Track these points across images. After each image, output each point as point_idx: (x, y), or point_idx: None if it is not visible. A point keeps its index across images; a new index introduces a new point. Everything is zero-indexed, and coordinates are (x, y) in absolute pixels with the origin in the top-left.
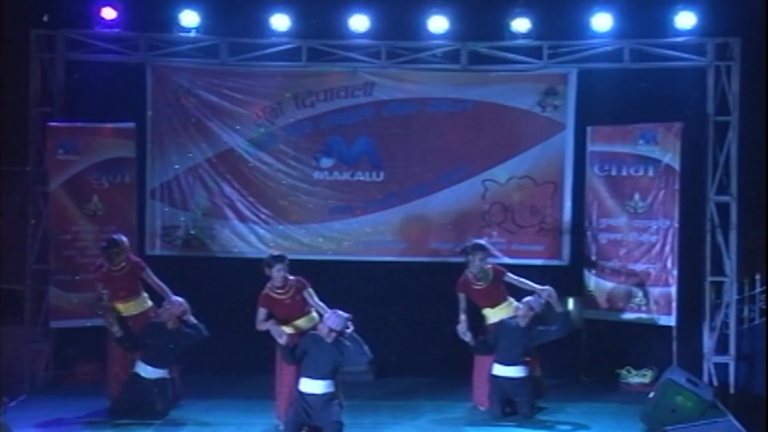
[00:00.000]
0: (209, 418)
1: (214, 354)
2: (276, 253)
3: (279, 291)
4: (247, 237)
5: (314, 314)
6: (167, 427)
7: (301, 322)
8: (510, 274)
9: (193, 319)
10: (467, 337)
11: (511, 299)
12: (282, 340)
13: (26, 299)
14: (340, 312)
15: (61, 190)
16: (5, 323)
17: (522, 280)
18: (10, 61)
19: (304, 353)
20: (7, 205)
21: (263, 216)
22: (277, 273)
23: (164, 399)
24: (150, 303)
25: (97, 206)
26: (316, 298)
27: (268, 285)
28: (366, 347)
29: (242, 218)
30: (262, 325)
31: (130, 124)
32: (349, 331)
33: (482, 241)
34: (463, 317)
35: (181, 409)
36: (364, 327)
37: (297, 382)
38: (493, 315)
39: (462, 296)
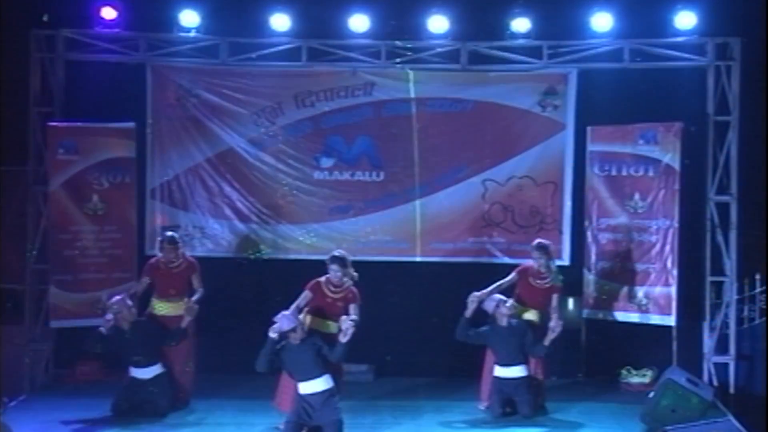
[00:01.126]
0: (209, 418)
1: (214, 354)
2: (337, 253)
3: (332, 288)
4: (248, 237)
5: (333, 324)
6: (167, 427)
7: (321, 324)
8: (555, 297)
9: (199, 280)
10: (472, 306)
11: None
12: (272, 333)
13: (26, 299)
14: (284, 312)
15: (61, 190)
16: (5, 323)
17: (554, 306)
18: (10, 61)
19: (283, 362)
20: (7, 205)
21: (263, 216)
22: (333, 273)
23: (164, 397)
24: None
25: (97, 206)
26: (355, 313)
27: (327, 276)
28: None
29: (242, 218)
30: (295, 308)
31: (130, 124)
32: (349, 326)
33: (546, 242)
34: (492, 289)
35: (181, 409)
36: (364, 327)
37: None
38: (526, 314)
39: (514, 277)
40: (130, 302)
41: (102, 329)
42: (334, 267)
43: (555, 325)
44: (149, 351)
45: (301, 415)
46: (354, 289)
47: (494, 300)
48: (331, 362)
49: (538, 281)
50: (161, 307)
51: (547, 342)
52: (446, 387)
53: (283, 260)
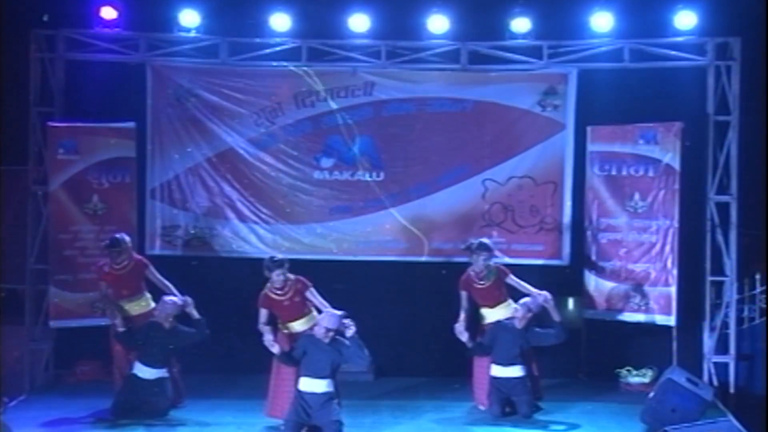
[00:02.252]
0: (209, 418)
1: (214, 354)
2: (276, 257)
3: (278, 292)
4: (247, 237)
5: (314, 314)
6: (167, 427)
7: (301, 323)
8: (512, 276)
9: (195, 314)
10: (464, 336)
11: (510, 301)
12: (275, 350)
13: (26, 299)
14: (334, 311)
15: (61, 190)
16: (5, 323)
17: (522, 283)
18: (10, 61)
19: (303, 353)
20: (7, 205)
21: (263, 216)
22: (276, 277)
23: (164, 399)
24: (153, 303)
25: (97, 206)
26: (319, 298)
27: (268, 285)
28: (366, 350)
29: (242, 218)
30: (263, 328)
31: (130, 124)
32: (351, 332)
33: (487, 240)
34: (462, 316)
35: (181, 409)
36: (364, 327)
37: (296, 381)
38: (491, 315)
39: (464, 294)
40: (182, 303)
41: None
42: (277, 272)
43: (541, 297)
44: (165, 356)
45: (300, 414)
46: (296, 277)
47: (536, 302)
48: (348, 361)
49: (482, 282)
50: (127, 308)
51: (553, 313)
52: (446, 387)
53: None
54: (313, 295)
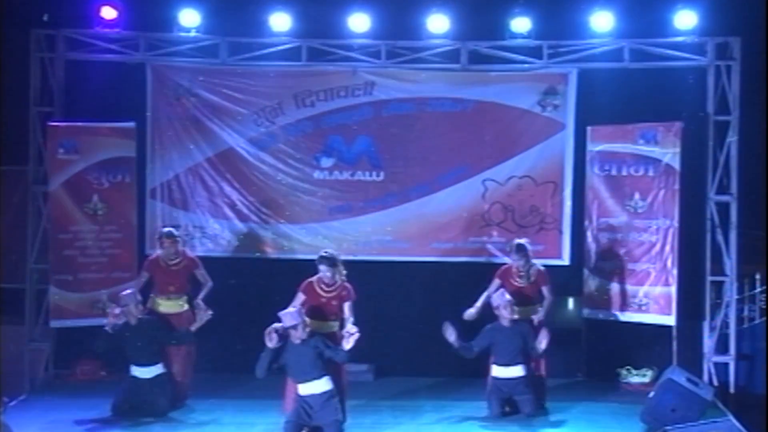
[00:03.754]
0: (209, 418)
1: (215, 354)
2: (325, 253)
3: (324, 287)
4: (247, 237)
5: (333, 323)
6: (167, 427)
7: (321, 325)
8: (546, 288)
9: (204, 274)
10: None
11: (538, 307)
12: (271, 344)
13: (26, 299)
14: (288, 309)
15: (61, 190)
16: (5, 323)
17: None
18: (10, 61)
19: (283, 364)
20: (7, 205)
21: (263, 215)
22: (323, 273)
23: (164, 397)
24: (187, 306)
25: (97, 206)
26: (349, 313)
27: (318, 275)
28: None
29: (242, 218)
30: (290, 313)
31: (130, 124)
32: (353, 334)
33: (523, 242)
34: (480, 303)
35: (181, 409)
36: (364, 327)
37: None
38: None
39: (497, 282)
40: (139, 297)
41: (107, 327)
42: (323, 267)
43: (541, 335)
44: (153, 350)
45: (301, 415)
46: (347, 285)
47: (503, 298)
48: (336, 362)
49: (519, 281)
50: (162, 305)
51: (542, 346)
52: (446, 387)
53: (283, 260)
54: (349, 309)
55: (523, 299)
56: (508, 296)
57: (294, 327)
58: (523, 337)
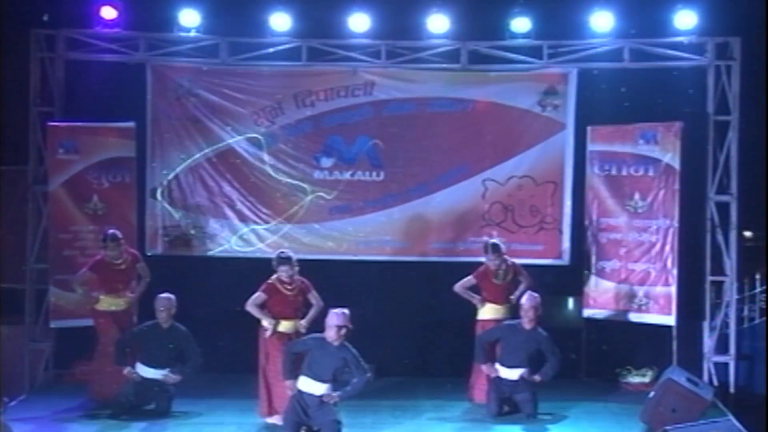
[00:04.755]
0: (209, 418)
1: (214, 354)
2: (283, 254)
3: (287, 286)
4: (247, 237)
5: (302, 322)
6: (168, 427)
7: (289, 325)
8: (523, 276)
9: (144, 267)
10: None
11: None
12: (267, 333)
13: (26, 299)
14: (337, 309)
15: (61, 190)
16: (5, 323)
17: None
18: (10, 60)
19: (306, 352)
20: (7, 205)
21: (263, 215)
22: (285, 273)
23: (165, 398)
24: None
25: (97, 206)
26: (318, 299)
27: (275, 276)
28: (367, 371)
29: (242, 218)
30: (253, 309)
31: (130, 124)
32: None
33: (497, 241)
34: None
35: (181, 408)
36: (364, 326)
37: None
38: (493, 312)
39: (472, 281)
40: (174, 303)
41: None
42: (284, 267)
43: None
44: (170, 355)
45: (299, 413)
46: (303, 279)
47: (534, 301)
48: (350, 369)
49: (496, 280)
50: (108, 302)
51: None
52: (446, 387)
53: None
54: (314, 297)
55: (504, 297)
56: (538, 300)
57: (340, 327)
58: (538, 346)
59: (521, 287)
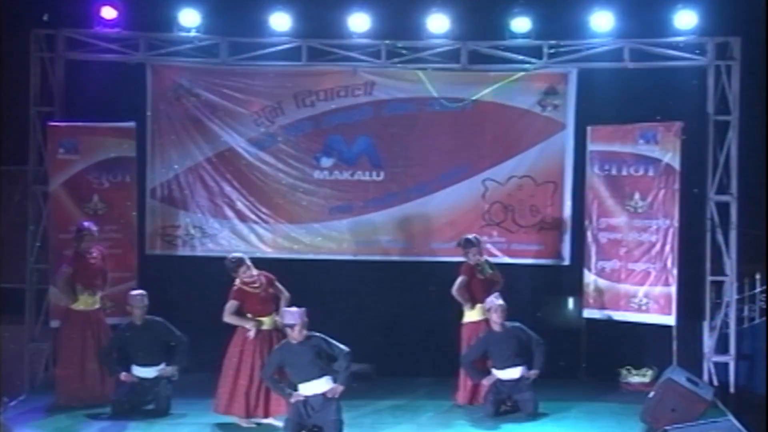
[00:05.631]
0: (209, 418)
1: (214, 354)
2: (234, 256)
3: (253, 285)
4: (247, 237)
5: (277, 318)
6: (167, 427)
7: (269, 320)
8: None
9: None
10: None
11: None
12: (251, 334)
13: (26, 299)
14: (288, 309)
15: (61, 190)
16: (5, 323)
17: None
18: (10, 60)
19: (280, 367)
20: (7, 205)
21: (263, 215)
22: (247, 274)
23: (163, 398)
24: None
25: (97, 206)
26: (282, 287)
27: (238, 281)
28: (340, 345)
29: (242, 218)
30: (231, 318)
31: (130, 124)
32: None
33: (472, 236)
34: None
35: (181, 409)
36: (364, 326)
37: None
38: (480, 314)
39: (464, 279)
40: (146, 301)
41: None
42: (243, 268)
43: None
44: (156, 350)
45: (302, 415)
46: (259, 272)
47: (495, 303)
48: (330, 353)
49: (479, 275)
50: (88, 302)
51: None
52: (446, 387)
53: (283, 260)
54: (278, 289)
55: (491, 291)
56: (500, 301)
57: (291, 326)
58: (518, 339)
59: (495, 288)
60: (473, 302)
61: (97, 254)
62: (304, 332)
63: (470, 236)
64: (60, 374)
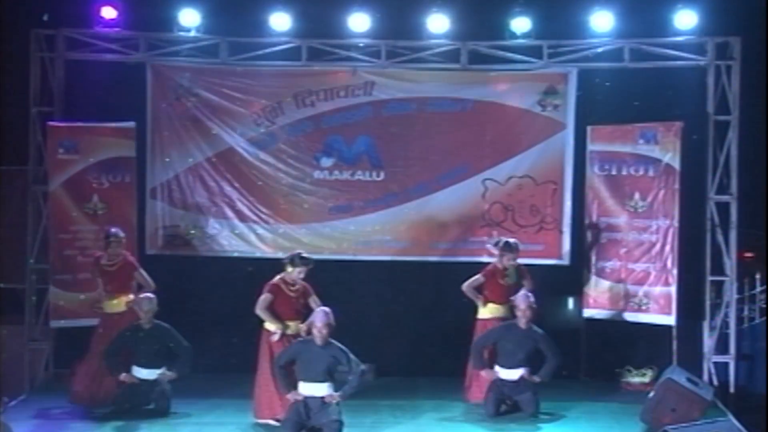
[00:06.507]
0: (209, 418)
1: (214, 354)
2: (305, 254)
3: (291, 287)
4: (247, 237)
5: (301, 326)
6: (167, 427)
7: (293, 325)
8: (527, 281)
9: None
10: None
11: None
12: (275, 338)
13: (26, 299)
14: (319, 309)
15: (61, 190)
16: (5, 323)
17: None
18: (10, 60)
19: (292, 360)
20: (7, 205)
21: (263, 215)
22: (297, 274)
23: (163, 398)
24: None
25: (97, 206)
26: (317, 303)
27: (281, 276)
28: (358, 361)
29: (242, 218)
30: (263, 312)
31: (130, 124)
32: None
33: (513, 241)
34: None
35: (181, 408)
36: (364, 326)
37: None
38: (494, 312)
39: (481, 279)
40: (155, 305)
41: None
42: (301, 269)
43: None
44: (160, 354)
45: (300, 415)
46: (305, 283)
47: (528, 300)
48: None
49: (505, 279)
50: (107, 305)
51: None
52: (446, 386)
53: (283, 260)
54: (315, 302)
55: (507, 298)
56: (532, 299)
57: (318, 327)
58: (535, 345)
59: (522, 290)
60: (486, 301)
61: (120, 260)
62: (328, 337)
63: (511, 240)
64: (80, 371)
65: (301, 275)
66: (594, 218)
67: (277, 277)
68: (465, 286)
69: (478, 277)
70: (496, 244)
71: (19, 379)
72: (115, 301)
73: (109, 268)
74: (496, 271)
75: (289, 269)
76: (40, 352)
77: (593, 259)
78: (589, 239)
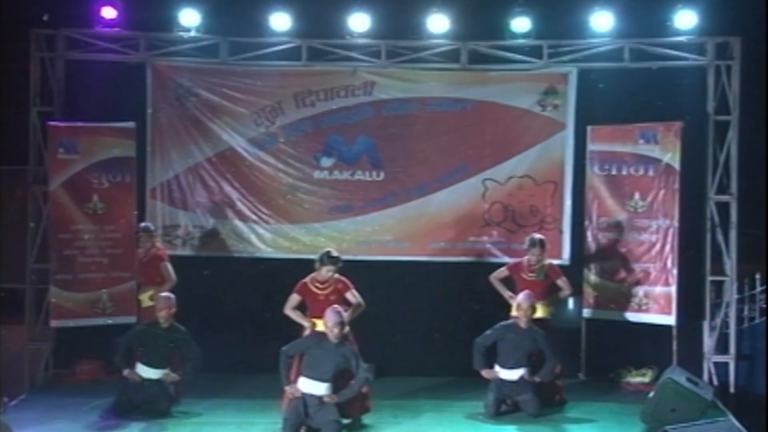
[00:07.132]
0: (209, 418)
1: (215, 354)
2: (334, 254)
3: (319, 285)
4: (247, 237)
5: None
6: (167, 427)
7: (320, 323)
8: (561, 281)
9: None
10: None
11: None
12: (308, 332)
13: (26, 299)
14: (333, 307)
15: (62, 190)
16: (5, 323)
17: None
18: (10, 60)
19: (304, 352)
20: (7, 205)
21: (263, 215)
22: (326, 273)
23: (165, 398)
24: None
25: (97, 205)
26: (358, 298)
27: (312, 276)
28: (365, 367)
29: (242, 218)
30: (291, 312)
31: (131, 124)
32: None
33: (542, 237)
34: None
35: (181, 408)
36: (363, 326)
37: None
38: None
39: (505, 272)
40: (174, 306)
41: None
42: (329, 267)
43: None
44: (169, 355)
45: (300, 413)
46: (341, 277)
47: (527, 300)
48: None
49: (532, 275)
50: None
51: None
52: (446, 386)
53: (284, 260)
54: (353, 296)
55: (536, 294)
56: (533, 299)
57: (335, 325)
58: (535, 345)
59: (562, 293)
60: (514, 298)
61: (151, 252)
62: (341, 335)
63: (536, 236)
64: None
65: (330, 273)
66: (594, 218)
67: (309, 276)
68: (492, 276)
69: (502, 269)
70: (530, 241)
71: (19, 379)
72: (144, 295)
73: (143, 260)
74: (520, 265)
75: (318, 268)
76: (40, 352)
77: (593, 259)
78: (589, 239)
